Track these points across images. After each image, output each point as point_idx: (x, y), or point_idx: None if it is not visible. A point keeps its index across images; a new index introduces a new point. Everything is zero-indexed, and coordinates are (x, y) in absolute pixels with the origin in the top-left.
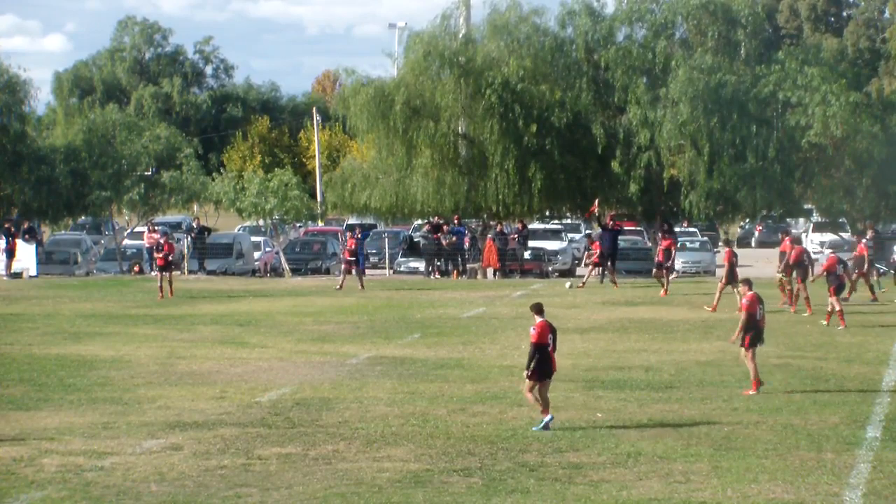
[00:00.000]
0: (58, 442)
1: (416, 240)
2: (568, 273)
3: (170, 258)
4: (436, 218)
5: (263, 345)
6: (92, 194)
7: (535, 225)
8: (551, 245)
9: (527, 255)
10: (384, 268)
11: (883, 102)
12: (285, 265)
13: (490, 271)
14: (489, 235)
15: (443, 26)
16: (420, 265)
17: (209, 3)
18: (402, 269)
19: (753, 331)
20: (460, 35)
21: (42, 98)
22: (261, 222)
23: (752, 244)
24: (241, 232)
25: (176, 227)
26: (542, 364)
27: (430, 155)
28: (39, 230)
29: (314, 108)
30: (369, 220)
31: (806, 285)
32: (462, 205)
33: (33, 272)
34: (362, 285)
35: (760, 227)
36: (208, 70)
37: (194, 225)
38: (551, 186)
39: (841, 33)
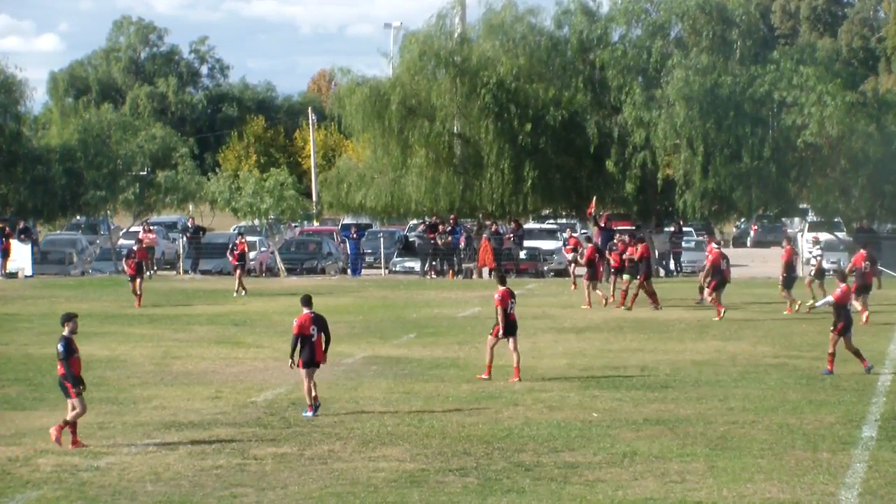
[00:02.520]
0: (53, 442)
1: (411, 239)
2: (564, 273)
3: (143, 265)
4: (433, 217)
5: (259, 344)
6: (87, 194)
7: (530, 224)
8: (546, 245)
9: (522, 254)
10: (380, 267)
11: (878, 102)
12: (280, 265)
13: (485, 271)
14: (484, 235)
15: (438, 26)
16: (415, 265)
17: (202, 2)
18: (397, 268)
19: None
20: (456, 35)
21: (38, 98)
22: (256, 222)
23: (748, 244)
24: (236, 231)
25: (171, 226)
26: (308, 353)
27: (425, 154)
28: (35, 230)
29: (309, 108)
30: (365, 220)
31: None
32: (457, 204)
33: (29, 272)
34: (243, 288)
35: (756, 227)
36: (203, 70)
37: (189, 225)
38: (546, 186)
39: (836, 33)
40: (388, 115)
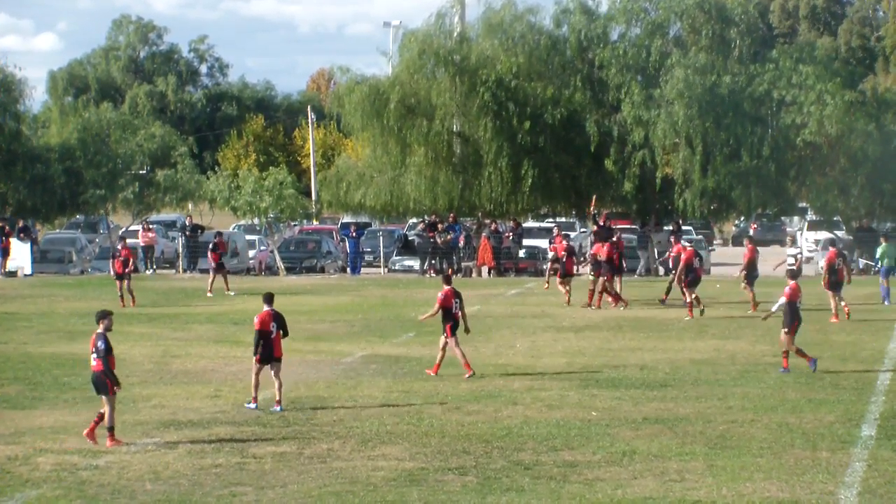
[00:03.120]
0: (53, 441)
1: (410, 238)
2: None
3: (128, 264)
4: (432, 216)
5: None
6: (86, 193)
7: (529, 223)
8: (546, 243)
9: (521, 253)
10: (379, 266)
11: (877, 101)
12: (280, 264)
13: (485, 269)
14: (484, 234)
15: (437, 25)
16: (415, 263)
17: (201, 1)
18: (396, 267)
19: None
20: (455, 33)
21: (37, 97)
22: (255, 221)
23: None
24: (235, 230)
25: (170, 225)
26: (265, 349)
27: (424, 153)
28: (34, 229)
29: (309, 107)
30: (364, 219)
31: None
32: (456, 203)
33: (28, 271)
34: (211, 290)
35: (755, 226)
36: (203, 69)
37: (187, 223)
38: (545, 185)
39: (835, 32)
40: (388, 113)
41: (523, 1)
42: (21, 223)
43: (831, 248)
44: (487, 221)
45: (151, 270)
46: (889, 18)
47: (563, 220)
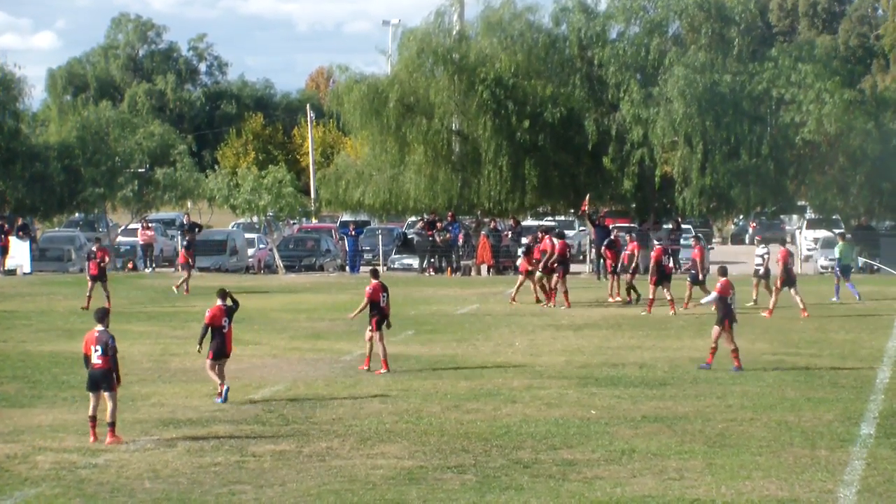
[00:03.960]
0: (51, 439)
1: (409, 236)
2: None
3: (104, 266)
4: (432, 214)
5: (257, 342)
6: (86, 191)
7: (528, 222)
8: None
9: (520, 251)
10: (378, 264)
11: (876, 99)
12: (279, 262)
13: (484, 268)
14: (483, 232)
15: (437, 23)
16: (414, 262)
17: (199, 0)
18: (395, 265)
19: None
20: (454, 32)
21: (36, 95)
22: (255, 219)
23: (746, 241)
24: (234, 229)
25: (170, 224)
26: (219, 344)
27: (423, 152)
28: (33, 227)
29: (308, 105)
30: (363, 217)
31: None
32: (455, 201)
33: (27, 269)
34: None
35: (754, 224)
36: (202, 67)
37: (184, 221)
38: (544, 183)
39: (835, 30)
40: (387, 112)
41: None
42: (20, 221)
43: (782, 248)
44: (486, 220)
45: (150, 269)
46: (888, 17)
47: (562, 218)
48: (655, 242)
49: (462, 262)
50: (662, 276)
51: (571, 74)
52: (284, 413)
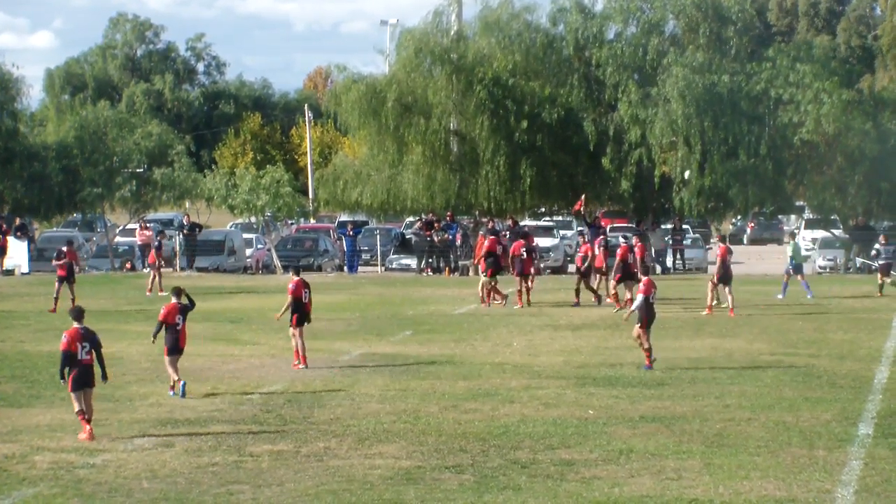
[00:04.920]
0: (49, 439)
1: (407, 237)
2: (561, 270)
3: (73, 268)
4: (430, 214)
5: (255, 342)
6: (84, 191)
7: (526, 222)
8: (543, 242)
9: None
10: (376, 265)
11: (875, 99)
12: (277, 262)
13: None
14: (481, 232)
15: (435, 23)
16: (412, 262)
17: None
18: (393, 265)
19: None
20: (452, 32)
21: (34, 95)
22: (252, 219)
23: (744, 241)
24: (232, 229)
25: (168, 224)
26: (172, 340)
27: (421, 151)
28: (31, 227)
29: (306, 105)
30: (361, 217)
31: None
32: (453, 201)
33: (25, 269)
34: (159, 288)
35: (752, 225)
36: (200, 67)
37: (185, 221)
38: (542, 183)
39: (834, 30)
40: (385, 112)
41: None
42: (18, 221)
43: (722, 245)
44: (485, 220)
45: (148, 269)
46: (886, 17)
47: (560, 218)
48: (621, 240)
49: (460, 263)
50: (626, 275)
51: (569, 74)
52: (282, 413)
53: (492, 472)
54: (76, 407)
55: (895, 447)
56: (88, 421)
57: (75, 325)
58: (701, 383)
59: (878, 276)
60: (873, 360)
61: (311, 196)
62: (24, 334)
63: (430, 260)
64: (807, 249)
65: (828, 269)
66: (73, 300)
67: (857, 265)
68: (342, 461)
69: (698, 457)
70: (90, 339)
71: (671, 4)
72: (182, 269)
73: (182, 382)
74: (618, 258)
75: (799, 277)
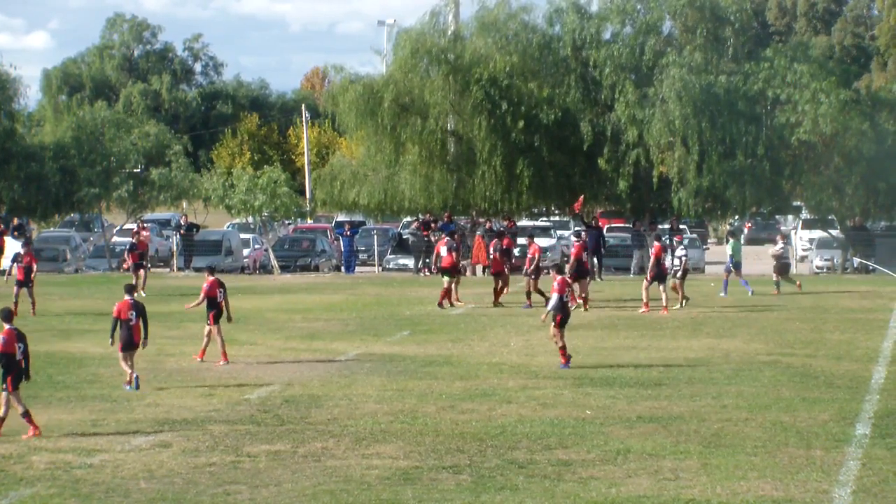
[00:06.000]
0: (47, 439)
1: (405, 237)
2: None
3: (32, 271)
4: (427, 214)
5: (252, 342)
6: (81, 191)
7: (524, 222)
8: (540, 242)
9: (515, 251)
10: (373, 265)
11: (872, 99)
12: (274, 262)
13: (479, 268)
14: (478, 232)
15: (431, 23)
16: (409, 262)
17: (191, 0)
18: (391, 265)
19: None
20: (449, 32)
21: (31, 95)
22: (250, 219)
23: (742, 241)
24: (230, 229)
25: (165, 224)
26: (126, 337)
27: (418, 152)
28: (28, 227)
29: (303, 106)
30: (358, 217)
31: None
32: (450, 202)
33: None
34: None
35: (750, 225)
36: (197, 67)
37: (182, 222)
38: (539, 183)
39: (831, 31)
40: (382, 112)
41: None
42: (15, 221)
43: (656, 244)
44: (482, 220)
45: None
46: (884, 17)
47: (557, 218)
48: (573, 239)
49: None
50: (582, 273)
51: (566, 75)
52: (280, 413)
53: (489, 473)
54: (20, 409)
55: (892, 447)
56: (32, 422)
57: (6, 326)
58: (698, 383)
59: (774, 275)
60: (870, 360)
61: (308, 196)
62: None
63: (428, 260)
64: (803, 250)
65: (825, 270)
66: (33, 304)
67: (855, 265)
68: (339, 461)
69: (695, 457)
70: (24, 340)
71: (667, 5)
72: (180, 269)
73: (135, 375)
74: (573, 257)
75: (733, 276)
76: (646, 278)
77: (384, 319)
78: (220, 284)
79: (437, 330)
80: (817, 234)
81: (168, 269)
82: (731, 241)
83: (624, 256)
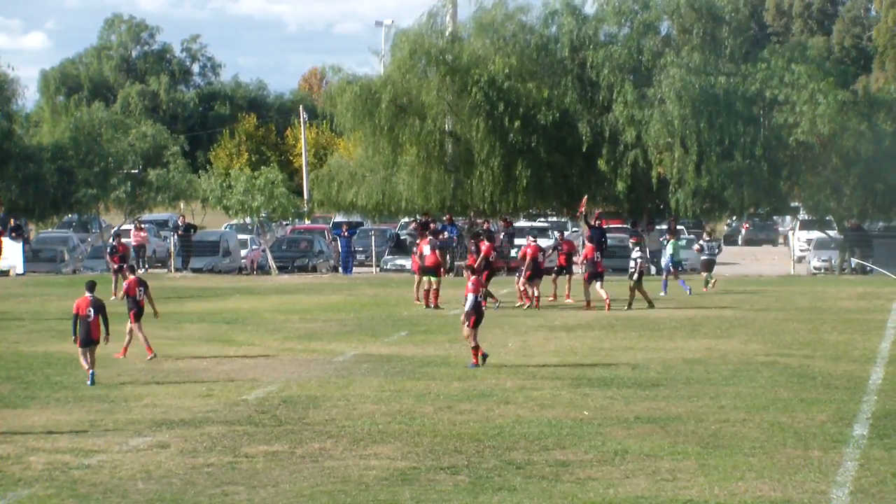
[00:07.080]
0: (44, 440)
1: (402, 237)
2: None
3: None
4: (425, 216)
5: (250, 342)
6: (79, 192)
7: (521, 223)
8: (539, 243)
9: (513, 252)
10: (371, 265)
11: (870, 100)
12: (272, 263)
13: None
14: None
15: (429, 24)
16: (407, 263)
17: (188, 0)
18: (388, 266)
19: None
20: (447, 33)
21: (29, 96)
22: (247, 220)
23: (739, 242)
24: (227, 230)
25: (162, 224)
26: (84, 333)
27: (416, 153)
28: (26, 228)
29: (301, 106)
30: (356, 218)
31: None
32: (448, 203)
33: (20, 270)
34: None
35: (747, 225)
36: (195, 68)
37: (180, 222)
38: (537, 184)
39: (829, 31)
40: (379, 113)
41: (514, 0)
42: (13, 222)
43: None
44: (480, 221)
45: (143, 270)
46: (881, 18)
47: (556, 219)
48: (529, 239)
49: (455, 263)
50: (535, 272)
51: (564, 76)
52: (277, 414)
53: (487, 473)
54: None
55: (890, 448)
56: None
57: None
58: (696, 384)
59: (701, 272)
60: (868, 360)
61: (306, 197)
62: (18, 335)
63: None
64: (801, 250)
65: (822, 270)
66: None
67: (852, 266)
68: (337, 462)
69: (693, 458)
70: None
71: (664, 5)
72: (177, 269)
73: (91, 371)
74: (528, 257)
75: (672, 276)
76: (583, 278)
77: (382, 320)
78: (141, 283)
79: (435, 331)
80: (815, 234)
81: (166, 270)
82: (672, 241)
83: (622, 257)
